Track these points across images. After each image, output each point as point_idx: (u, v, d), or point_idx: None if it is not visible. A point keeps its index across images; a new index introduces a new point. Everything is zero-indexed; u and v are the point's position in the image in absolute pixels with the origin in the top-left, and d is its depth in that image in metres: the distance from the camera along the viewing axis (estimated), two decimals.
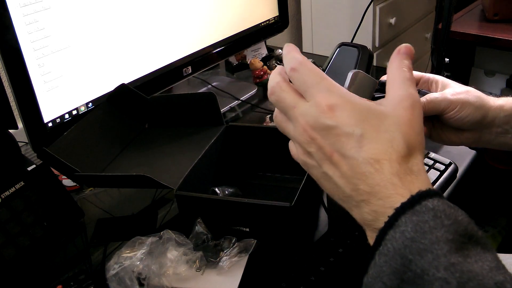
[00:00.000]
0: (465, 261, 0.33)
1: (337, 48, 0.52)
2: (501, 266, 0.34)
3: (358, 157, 0.38)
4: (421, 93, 0.58)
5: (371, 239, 0.39)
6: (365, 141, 0.38)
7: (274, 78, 0.44)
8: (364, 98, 0.42)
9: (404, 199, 0.36)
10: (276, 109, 0.45)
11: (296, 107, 0.42)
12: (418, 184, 0.38)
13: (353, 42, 0.54)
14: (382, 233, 0.36)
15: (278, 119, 0.44)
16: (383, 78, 0.56)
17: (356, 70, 0.47)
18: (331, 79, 0.42)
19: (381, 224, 0.37)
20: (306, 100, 0.41)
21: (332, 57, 0.51)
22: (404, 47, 0.44)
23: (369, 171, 0.38)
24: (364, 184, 0.38)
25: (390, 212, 0.36)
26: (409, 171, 0.38)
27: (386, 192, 0.37)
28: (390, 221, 0.36)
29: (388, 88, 0.43)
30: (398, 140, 0.39)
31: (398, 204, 0.36)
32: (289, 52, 0.44)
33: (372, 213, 0.38)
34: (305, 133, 0.41)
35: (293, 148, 0.45)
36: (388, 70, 0.44)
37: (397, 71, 0.43)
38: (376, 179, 0.38)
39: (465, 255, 0.33)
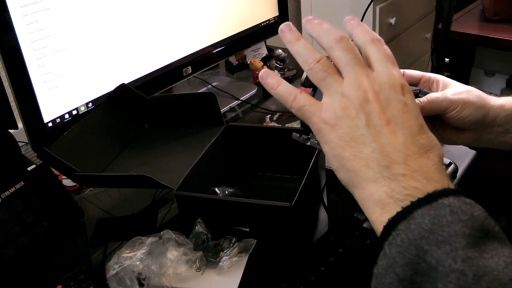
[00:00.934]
0: (481, 256, 0.33)
1: None
2: None
3: (415, 139, 0.39)
4: (422, 93, 0.58)
5: (385, 215, 0.38)
6: (422, 130, 0.40)
7: (335, 31, 0.43)
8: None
9: (439, 185, 0.37)
10: (318, 55, 0.43)
11: (365, 68, 0.42)
12: (446, 181, 0.39)
13: (353, 41, 0.54)
14: (394, 223, 0.36)
15: (325, 65, 0.42)
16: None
17: None
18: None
19: (409, 203, 0.37)
20: (375, 69, 0.42)
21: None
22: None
23: (421, 153, 0.39)
24: (414, 162, 0.38)
25: (430, 191, 0.37)
26: (444, 169, 0.40)
27: (433, 175, 0.38)
28: (404, 213, 0.36)
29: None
30: (439, 145, 0.41)
31: (440, 188, 0.37)
32: (363, 25, 0.44)
33: (412, 189, 0.37)
34: (364, 93, 0.40)
35: (307, 99, 0.43)
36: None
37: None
38: (427, 162, 0.39)
39: (481, 250, 0.34)
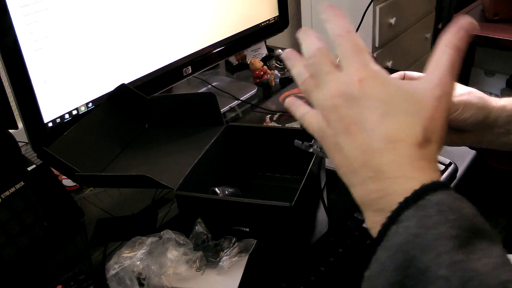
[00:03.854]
0: (468, 258, 0.32)
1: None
2: (507, 262, 0.33)
3: (375, 132, 0.38)
4: None
5: (370, 221, 0.38)
6: (385, 119, 0.38)
7: (314, 43, 0.44)
8: (397, 78, 0.41)
9: (413, 182, 0.36)
10: (304, 73, 0.44)
11: (331, 73, 0.42)
12: (429, 172, 0.37)
13: None
14: (385, 228, 0.36)
15: (307, 84, 0.44)
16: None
17: None
18: (370, 54, 0.42)
19: (384, 205, 0.36)
20: (342, 69, 0.41)
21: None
22: (466, 20, 0.41)
23: (382, 148, 0.38)
24: (375, 161, 0.38)
25: (397, 194, 0.36)
26: (421, 157, 0.38)
27: (396, 172, 0.37)
28: (393, 216, 0.35)
29: (430, 65, 0.41)
30: (417, 126, 0.38)
31: (406, 187, 0.36)
32: (337, 16, 0.44)
33: (377, 191, 0.37)
34: (331, 99, 0.41)
35: (312, 117, 0.44)
36: (436, 46, 0.42)
37: (441, 51, 0.41)
38: (389, 157, 0.37)
39: (468, 251, 0.33)
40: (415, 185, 0.36)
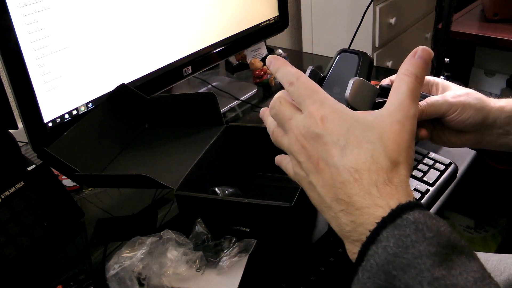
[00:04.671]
0: (449, 274, 0.33)
1: (338, 54, 0.52)
2: (486, 276, 0.33)
3: (339, 166, 0.39)
4: (422, 96, 0.58)
5: (349, 252, 0.39)
6: (347, 150, 0.39)
7: (278, 94, 0.46)
8: (354, 110, 0.42)
9: (382, 210, 0.36)
10: (273, 125, 0.47)
11: (292, 119, 0.43)
12: (398, 196, 0.37)
13: (353, 41, 0.55)
14: (365, 248, 0.36)
15: (275, 134, 0.46)
16: (384, 81, 0.57)
17: (356, 78, 0.47)
18: (325, 92, 0.43)
19: (359, 236, 0.37)
20: (301, 112, 0.43)
21: (333, 64, 0.52)
22: (421, 50, 0.43)
23: (348, 180, 0.39)
24: (343, 194, 0.39)
25: (368, 223, 0.37)
26: (388, 182, 0.38)
27: (364, 202, 0.37)
28: (372, 236, 0.36)
29: (390, 94, 0.42)
30: (378, 152, 0.39)
31: (375, 215, 0.36)
32: (283, 67, 0.46)
33: (350, 223, 0.38)
34: (297, 143, 0.42)
35: (288, 163, 0.47)
36: (397, 74, 0.44)
37: (400, 79, 0.42)
38: (355, 188, 0.38)
39: (449, 267, 0.33)
40: (383, 212, 0.36)
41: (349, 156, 0.39)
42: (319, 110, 0.41)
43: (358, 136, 0.40)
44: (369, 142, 0.39)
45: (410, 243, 0.34)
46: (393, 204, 0.36)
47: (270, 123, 0.48)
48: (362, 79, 0.48)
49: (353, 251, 0.38)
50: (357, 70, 0.50)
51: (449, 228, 0.36)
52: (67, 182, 0.88)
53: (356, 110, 0.44)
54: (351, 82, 0.47)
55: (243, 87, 1.24)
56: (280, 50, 1.32)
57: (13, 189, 0.71)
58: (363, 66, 0.50)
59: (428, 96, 0.57)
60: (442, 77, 1.39)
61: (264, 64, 1.29)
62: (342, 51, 0.52)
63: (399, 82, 0.42)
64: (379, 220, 0.36)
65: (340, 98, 0.45)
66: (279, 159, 0.50)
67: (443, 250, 0.34)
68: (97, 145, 0.83)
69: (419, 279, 0.33)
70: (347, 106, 0.44)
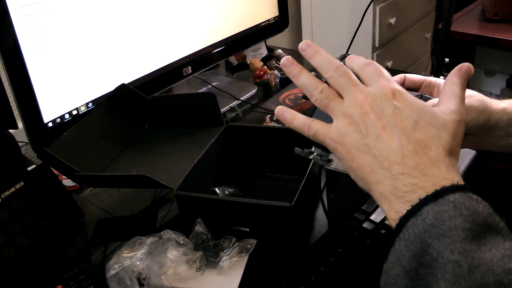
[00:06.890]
0: (478, 249, 0.36)
1: (341, 59, 0.51)
2: None
3: (410, 136, 0.43)
4: (424, 98, 0.58)
5: (391, 212, 0.42)
6: (418, 126, 0.43)
7: (331, 58, 0.49)
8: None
9: (447, 182, 0.40)
10: (319, 85, 0.48)
11: (358, 86, 0.47)
12: (457, 175, 0.41)
13: (353, 41, 0.55)
14: (404, 221, 0.40)
15: (326, 93, 0.48)
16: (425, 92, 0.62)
17: None
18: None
19: (414, 197, 0.40)
20: (369, 85, 0.47)
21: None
22: (466, 66, 0.49)
23: (416, 150, 0.42)
24: (410, 160, 0.42)
25: (429, 189, 0.40)
26: (449, 162, 0.42)
27: (431, 171, 0.41)
28: (413, 210, 0.39)
29: (441, 98, 0.47)
30: (446, 137, 0.43)
31: (439, 184, 0.40)
32: (357, 57, 0.50)
33: (411, 185, 0.41)
34: (360, 107, 0.45)
35: (323, 125, 0.48)
36: (445, 83, 0.49)
37: (454, 86, 0.47)
38: (423, 158, 0.42)
39: (480, 243, 0.36)
40: (447, 183, 0.40)
41: (420, 131, 0.43)
42: (391, 85, 0.45)
43: (429, 117, 0.44)
44: (436, 127, 0.43)
45: (448, 217, 0.38)
46: (454, 181, 0.40)
47: (311, 80, 0.49)
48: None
49: (401, 211, 0.40)
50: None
51: (489, 209, 0.39)
52: (67, 182, 0.88)
53: None
54: None
55: (243, 87, 1.24)
56: (280, 50, 1.32)
57: (13, 189, 0.71)
58: None
59: (429, 98, 0.57)
60: (442, 77, 1.39)
61: (264, 64, 1.29)
62: (345, 56, 0.52)
63: (451, 89, 0.47)
64: (439, 188, 0.40)
65: None
66: (282, 110, 0.52)
67: (478, 228, 0.37)
68: (97, 145, 0.83)
69: (451, 247, 0.36)
70: None
